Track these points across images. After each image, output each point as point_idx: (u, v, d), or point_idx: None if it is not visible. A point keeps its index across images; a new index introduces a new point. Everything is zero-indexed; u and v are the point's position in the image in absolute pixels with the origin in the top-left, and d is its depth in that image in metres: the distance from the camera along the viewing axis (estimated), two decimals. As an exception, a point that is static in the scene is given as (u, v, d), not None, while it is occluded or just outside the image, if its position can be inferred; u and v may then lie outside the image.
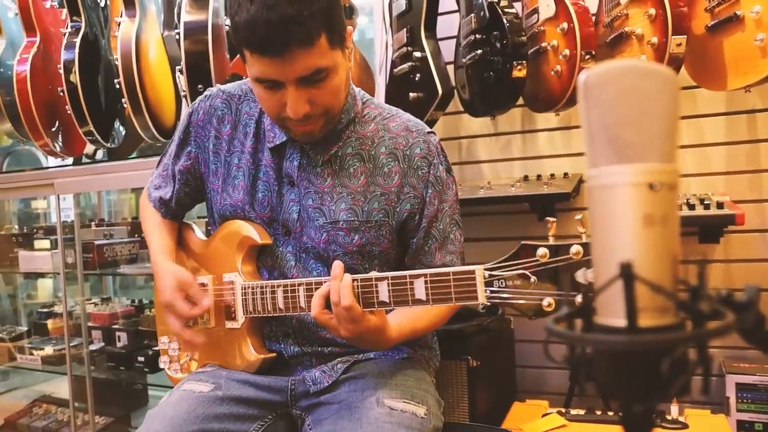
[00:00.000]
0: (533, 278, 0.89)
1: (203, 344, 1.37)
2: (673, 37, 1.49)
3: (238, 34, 1.05)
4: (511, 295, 0.91)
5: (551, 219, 0.91)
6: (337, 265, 1.06)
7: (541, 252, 0.88)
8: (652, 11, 1.51)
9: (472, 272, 0.94)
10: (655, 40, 1.52)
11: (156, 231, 1.41)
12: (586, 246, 0.84)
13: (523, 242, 0.91)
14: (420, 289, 0.99)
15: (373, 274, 1.05)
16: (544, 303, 0.89)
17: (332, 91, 1.12)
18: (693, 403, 1.71)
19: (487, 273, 0.93)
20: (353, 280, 1.05)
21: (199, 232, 1.47)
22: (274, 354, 1.28)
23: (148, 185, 1.48)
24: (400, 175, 1.22)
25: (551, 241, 0.88)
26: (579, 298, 0.85)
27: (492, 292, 0.92)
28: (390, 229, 1.23)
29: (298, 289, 1.15)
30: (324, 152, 1.23)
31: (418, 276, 0.99)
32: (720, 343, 1.81)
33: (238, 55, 1.16)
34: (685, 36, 1.50)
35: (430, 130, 1.28)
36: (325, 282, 1.09)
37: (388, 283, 1.03)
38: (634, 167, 0.46)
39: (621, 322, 0.45)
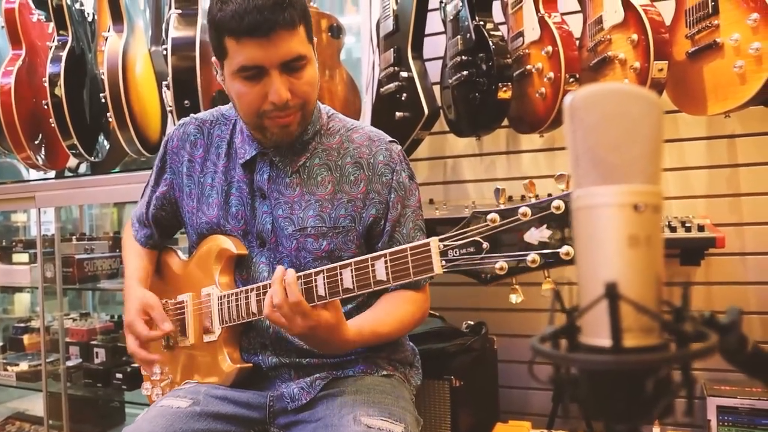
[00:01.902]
0: (485, 244, 0.91)
1: (182, 361, 1.36)
2: (655, 62, 1.52)
3: (223, 26, 1.12)
4: (465, 262, 0.92)
5: (501, 188, 0.93)
6: (279, 269, 1.08)
7: (491, 217, 0.90)
8: (635, 37, 1.54)
9: (427, 244, 0.96)
10: (637, 64, 1.54)
11: (133, 257, 1.46)
12: (533, 207, 0.87)
13: (474, 211, 0.93)
14: (381, 270, 1.01)
15: (339, 263, 1.07)
16: (497, 266, 0.90)
17: (309, 82, 1.19)
18: (675, 426, 1.72)
19: (441, 244, 0.94)
20: (318, 273, 1.07)
21: (181, 254, 1.49)
22: (250, 365, 1.28)
23: (132, 214, 1.52)
24: (365, 182, 1.26)
25: (501, 207, 0.91)
26: (530, 258, 0.87)
27: (447, 261, 0.94)
28: (357, 235, 1.26)
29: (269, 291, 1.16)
30: (292, 163, 1.27)
31: (378, 257, 1.01)
32: (701, 366, 1.82)
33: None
34: (667, 61, 1.53)
35: (391, 139, 1.33)
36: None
37: (351, 269, 1.04)
38: (618, 188, 0.47)
39: (606, 342, 0.46)
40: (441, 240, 0.94)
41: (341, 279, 1.05)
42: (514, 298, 0.96)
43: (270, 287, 1.15)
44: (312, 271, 1.09)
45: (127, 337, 1.30)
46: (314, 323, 1.05)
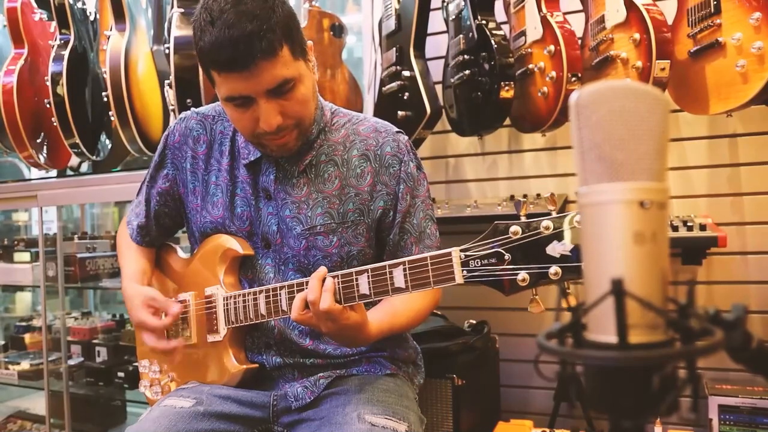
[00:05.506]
0: (507, 255, 0.92)
1: (184, 360, 1.36)
2: (657, 61, 1.52)
3: (205, 57, 1.10)
4: (486, 273, 0.93)
5: (523, 200, 0.94)
6: (321, 269, 1.09)
7: (513, 229, 0.91)
8: (637, 36, 1.54)
9: (449, 254, 0.96)
10: (639, 64, 1.54)
11: (128, 257, 1.44)
12: (555, 220, 0.88)
13: (496, 222, 0.94)
14: (399, 277, 1.01)
15: (354, 269, 1.07)
16: (519, 278, 0.91)
17: (301, 101, 1.16)
18: (676, 425, 1.72)
19: (462, 254, 0.95)
20: (334, 277, 1.07)
21: (181, 252, 1.48)
22: (257, 365, 1.28)
23: (128, 213, 1.50)
24: (372, 174, 1.25)
25: (523, 219, 0.92)
26: (552, 270, 0.88)
27: (468, 272, 0.94)
28: (366, 228, 1.25)
29: (279, 293, 1.16)
30: (299, 163, 1.25)
31: (397, 265, 1.01)
32: (703, 365, 1.83)
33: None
34: (669, 61, 1.53)
35: (398, 130, 1.31)
36: (305, 282, 1.11)
37: (368, 276, 1.04)
38: (624, 185, 0.47)
39: (612, 338, 0.46)
40: (462, 250, 0.95)
41: (357, 285, 1.05)
42: (534, 309, 0.96)
43: (280, 289, 1.16)
44: (353, 271, 1.08)
45: (144, 337, 1.28)
46: (342, 325, 1.07)
